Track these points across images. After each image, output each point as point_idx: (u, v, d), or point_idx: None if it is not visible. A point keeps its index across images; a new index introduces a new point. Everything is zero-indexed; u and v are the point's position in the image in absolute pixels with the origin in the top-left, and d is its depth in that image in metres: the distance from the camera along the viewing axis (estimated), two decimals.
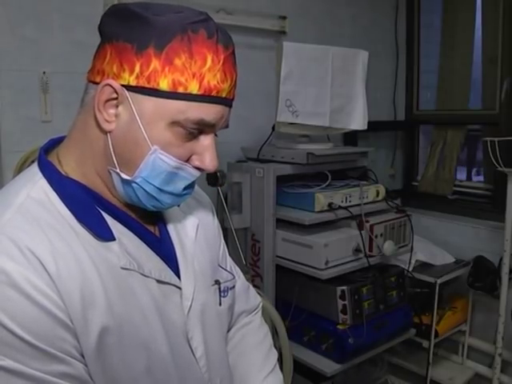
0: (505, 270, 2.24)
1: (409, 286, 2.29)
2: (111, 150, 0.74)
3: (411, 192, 2.96)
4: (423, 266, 2.45)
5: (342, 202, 2.00)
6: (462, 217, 2.66)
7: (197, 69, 0.70)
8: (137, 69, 0.70)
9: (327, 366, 1.96)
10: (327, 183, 2.03)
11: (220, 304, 0.92)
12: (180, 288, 0.82)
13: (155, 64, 0.69)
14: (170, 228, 0.87)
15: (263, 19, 2.24)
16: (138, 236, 0.79)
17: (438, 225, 2.75)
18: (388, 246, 2.06)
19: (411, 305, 2.27)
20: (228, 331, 1.00)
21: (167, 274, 0.81)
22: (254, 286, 1.30)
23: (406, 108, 3.00)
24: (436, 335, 2.38)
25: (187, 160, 0.76)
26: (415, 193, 2.94)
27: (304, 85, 1.96)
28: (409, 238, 2.21)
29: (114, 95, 0.72)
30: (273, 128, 2.07)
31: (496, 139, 2.14)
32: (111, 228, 0.75)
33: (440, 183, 2.80)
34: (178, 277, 0.83)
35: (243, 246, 2.00)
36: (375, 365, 2.51)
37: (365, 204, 2.07)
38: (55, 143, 0.82)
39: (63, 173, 0.76)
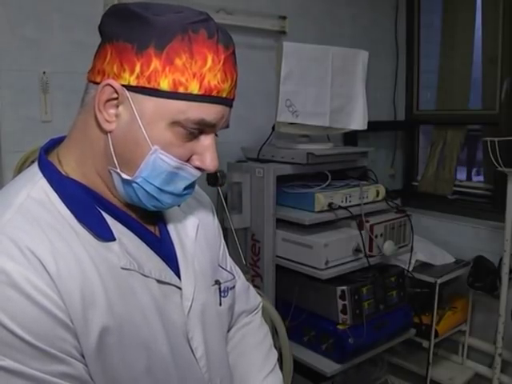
0: (505, 270, 2.24)
1: (409, 286, 2.29)
2: (112, 150, 0.74)
3: (411, 192, 2.96)
4: (423, 266, 2.45)
5: (342, 202, 2.00)
6: (462, 217, 2.66)
7: (197, 69, 0.70)
8: (137, 69, 0.70)
9: (327, 366, 1.96)
10: (327, 183, 2.03)
11: (220, 304, 0.92)
12: (180, 288, 0.82)
13: (156, 64, 0.69)
14: (171, 228, 0.87)
15: (263, 19, 2.24)
16: (138, 236, 0.79)
17: (438, 225, 2.75)
18: (388, 246, 2.06)
19: (411, 305, 2.27)
20: (228, 331, 1.00)
21: (167, 274, 0.81)
22: (254, 286, 1.30)
23: (405, 108, 3.00)
24: (436, 335, 2.38)
25: (187, 160, 0.76)
26: (415, 193, 2.93)
27: (304, 85, 1.96)
28: (409, 238, 2.21)
29: (115, 95, 0.72)
30: (273, 128, 2.07)
31: (496, 139, 2.14)
32: (111, 228, 0.75)
33: (440, 183, 2.80)
34: (179, 277, 0.83)
35: (243, 246, 2.00)
36: (375, 365, 2.50)
37: (365, 204, 2.07)
38: (55, 143, 0.82)
39: (63, 173, 0.76)
